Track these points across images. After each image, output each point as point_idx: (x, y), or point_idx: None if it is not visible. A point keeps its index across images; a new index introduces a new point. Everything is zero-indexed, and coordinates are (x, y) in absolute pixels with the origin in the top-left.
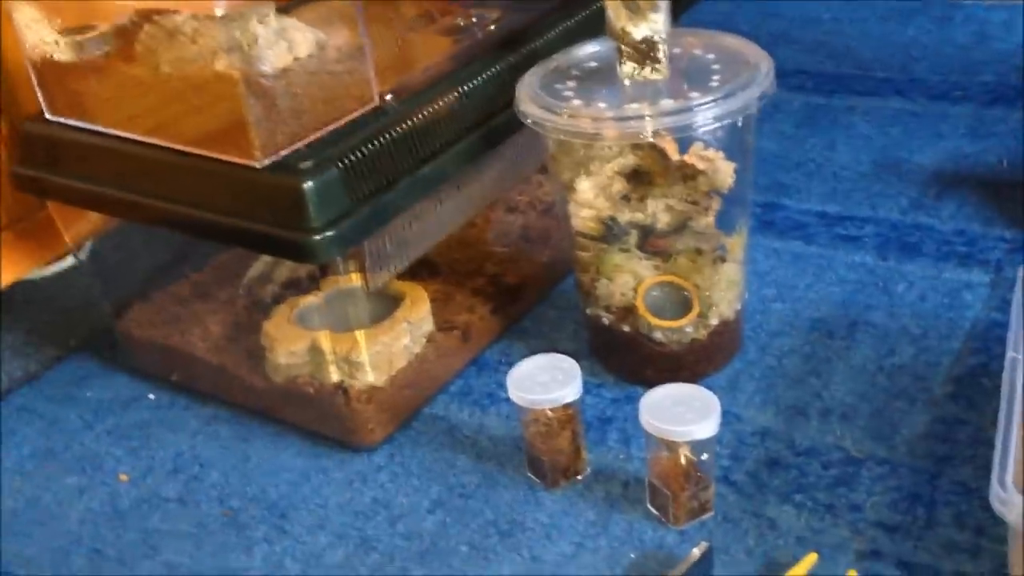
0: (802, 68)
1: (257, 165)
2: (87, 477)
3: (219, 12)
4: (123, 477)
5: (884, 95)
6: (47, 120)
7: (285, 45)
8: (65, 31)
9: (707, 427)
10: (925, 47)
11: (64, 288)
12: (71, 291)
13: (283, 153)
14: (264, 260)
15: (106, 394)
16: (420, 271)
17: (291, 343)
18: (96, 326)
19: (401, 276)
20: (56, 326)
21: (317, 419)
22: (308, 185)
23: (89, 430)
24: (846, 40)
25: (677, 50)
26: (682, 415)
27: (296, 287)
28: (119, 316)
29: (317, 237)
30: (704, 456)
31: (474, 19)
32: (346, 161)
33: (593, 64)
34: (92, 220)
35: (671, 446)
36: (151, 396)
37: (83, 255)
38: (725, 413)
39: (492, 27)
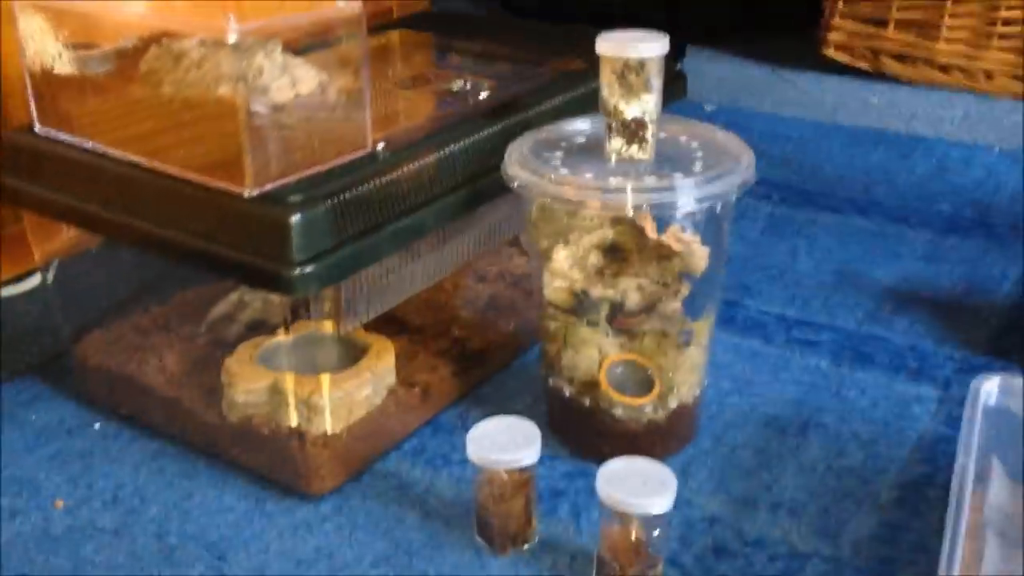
0: (769, 179)
1: (246, 194)
2: (22, 500)
3: (231, 39)
4: (59, 503)
5: (846, 213)
6: (35, 132)
7: (288, 81)
8: (69, 45)
9: (662, 502)
10: (887, 173)
11: (21, 309)
12: (28, 312)
13: (273, 185)
14: (230, 299)
15: (52, 418)
16: (388, 326)
17: (251, 381)
18: (50, 349)
19: (368, 328)
20: (9, 347)
21: (268, 462)
22: (295, 218)
23: (30, 453)
24: (812, 159)
25: (663, 135)
26: (638, 488)
27: (261, 329)
28: (76, 341)
29: (298, 271)
30: (656, 533)
31: (468, 86)
32: (334, 201)
33: (581, 139)
34: (62, 240)
35: (624, 518)
36: (97, 425)
37: (49, 276)
38: (677, 497)
39: (485, 94)
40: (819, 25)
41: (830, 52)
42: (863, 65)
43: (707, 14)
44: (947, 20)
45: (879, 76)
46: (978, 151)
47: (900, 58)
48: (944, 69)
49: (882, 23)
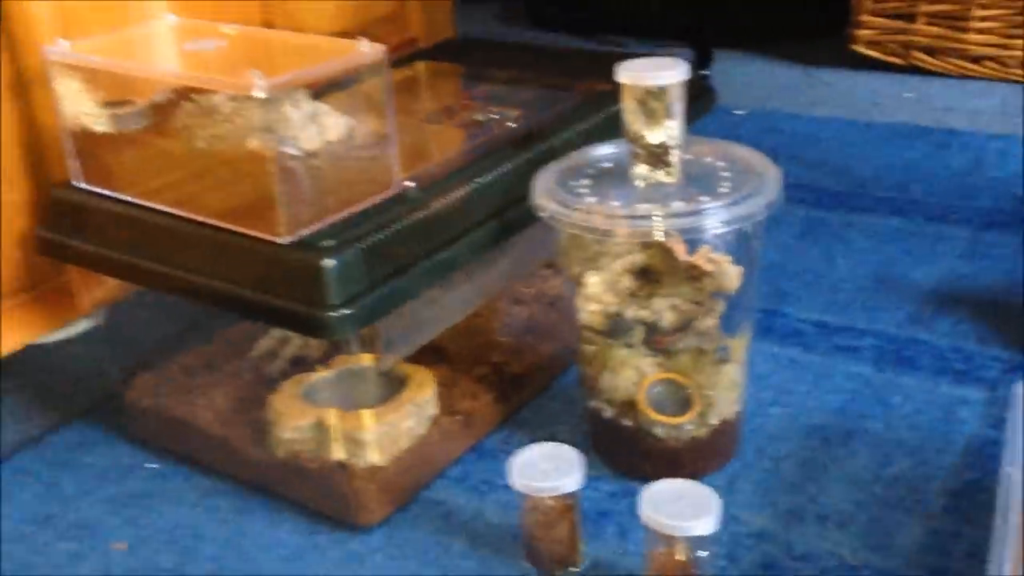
0: (802, 183)
1: (281, 241)
2: (82, 544)
3: (259, 95)
4: (118, 546)
5: (882, 213)
6: (76, 187)
7: (316, 129)
8: (105, 103)
9: (706, 523)
10: (923, 170)
11: (70, 354)
12: (77, 357)
13: (306, 231)
14: (272, 336)
15: (106, 461)
16: (427, 356)
17: (296, 418)
18: (100, 393)
19: (408, 359)
20: (60, 391)
21: (316, 496)
22: (329, 263)
23: (87, 496)
24: (845, 159)
25: (688, 156)
26: (682, 510)
27: (303, 364)
28: (125, 384)
29: (334, 314)
30: (702, 553)
31: (493, 115)
32: (367, 243)
33: (607, 165)
34: (108, 288)
35: (669, 541)
36: (151, 465)
37: (97, 322)
38: (723, 513)
39: (510, 124)
40: (847, 25)
41: (860, 48)
42: (894, 60)
43: (735, 22)
44: (976, 11)
45: (911, 71)
46: (1015, 142)
47: (931, 51)
48: (976, 60)
49: (911, 17)
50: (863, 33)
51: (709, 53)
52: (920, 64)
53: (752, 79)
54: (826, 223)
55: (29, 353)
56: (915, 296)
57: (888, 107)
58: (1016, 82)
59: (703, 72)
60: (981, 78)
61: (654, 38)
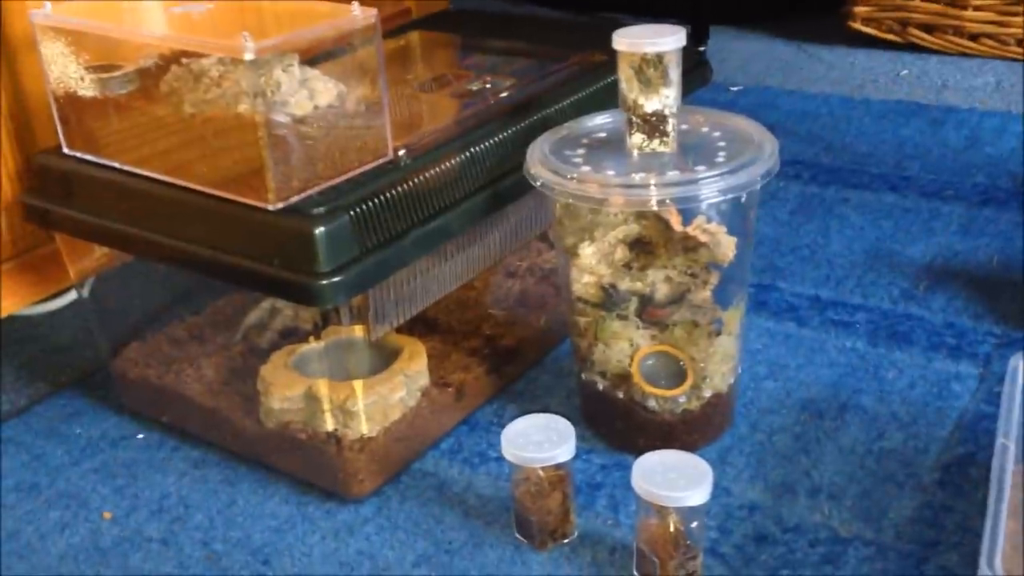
0: (798, 159)
1: (270, 208)
2: (70, 513)
3: (248, 57)
4: (106, 515)
5: (877, 190)
6: (63, 154)
7: (306, 94)
8: (91, 67)
9: (699, 495)
10: (919, 147)
11: (59, 324)
12: (66, 327)
13: (297, 198)
14: (262, 307)
15: (95, 431)
16: (418, 328)
17: (287, 388)
18: (89, 364)
19: (399, 331)
20: (49, 362)
21: (307, 467)
22: (320, 230)
23: (75, 466)
24: (841, 136)
25: (684, 126)
26: (674, 481)
27: (293, 335)
28: (114, 354)
29: (325, 282)
30: (694, 524)
31: (487, 85)
32: (358, 210)
33: (602, 134)
34: (95, 257)
35: (661, 512)
36: (140, 436)
37: (85, 292)
38: (715, 486)
39: (505, 93)
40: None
41: (857, 25)
42: (891, 37)
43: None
44: None
45: (908, 47)
46: (1012, 120)
47: (928, 28)
48: (974, 38)
49: None
50: (860, 10)
51: (705, 28)
52: (917, 41)
53: (748, 55)
54: (821, 199)
55: (14, 324)
56: (909, 272)
57: (884, 84)
58: (1013, 59)
59: (699, 48)
60: (978, 55)
61: (650, 13)
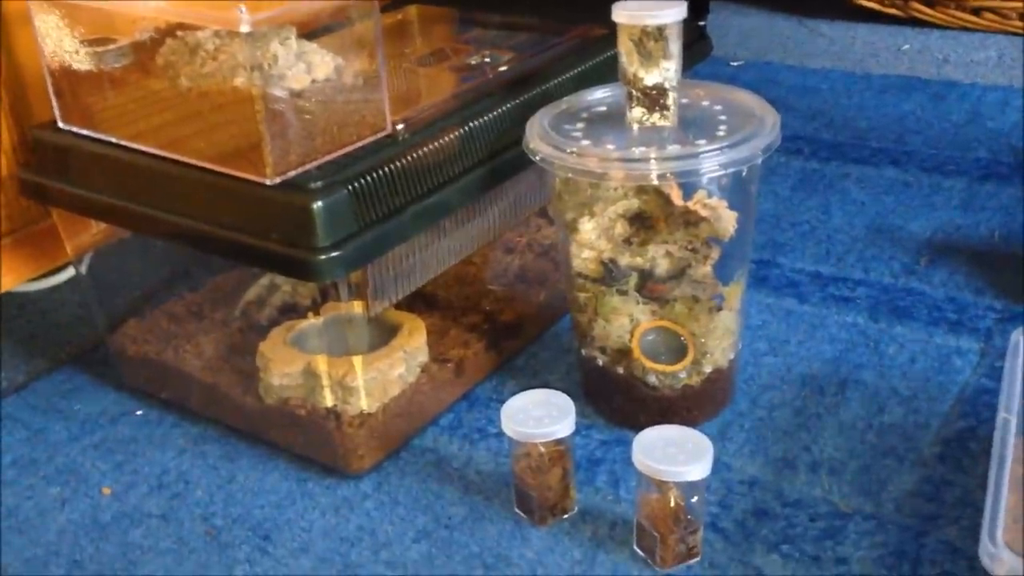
0: (799, 134)
1: (268, 182)
2: (69, 489)
3: (244, 29)
4: (106, 491)
5: (878, 164)
6: (59, 128)
7: (304, 67)
8: (86, 41)
9: (699, 469)
10: (920, 122)
11: (57, 301)
12: (64, 304)
13: (294, 172)
14: (261, 283)
15: (94, 408)
16: (418, 303)
17: (286, 364)
18: (88, 340)
19: (399, 307)
20: (47, 338)
21: (306, 443)
22: (317, 205)
23: (75, 442)
24: (842, 111)
25: (685, 100)
26: (674, 456)
27: (293, 312)
28: (113, 331)
29: (323, 257)
30: (694, 499)
31: (486, 59)
32: (356, 185)
33: (602, 108)
34: (92, 233)
35: (661, 486)
36: (139, 412)
37: (82, 268)
38: (715, 461)
39: (504, 67)
40: None
41: None
42: (892, 11)
43: None
44: None
45: (909, 22)
46: (1013, 94)
47: (930, 3)
48: (975, 12)
49: None
50: None
51: (705, 2)
52: (918, 15)
53: (749, 30)
54: (822, 174)
55: (12, 301)
56: (910, 247)
57: (886, 59)
58: (1015, 34)
59: (699, 22)
60: (979, 30)
61: None
